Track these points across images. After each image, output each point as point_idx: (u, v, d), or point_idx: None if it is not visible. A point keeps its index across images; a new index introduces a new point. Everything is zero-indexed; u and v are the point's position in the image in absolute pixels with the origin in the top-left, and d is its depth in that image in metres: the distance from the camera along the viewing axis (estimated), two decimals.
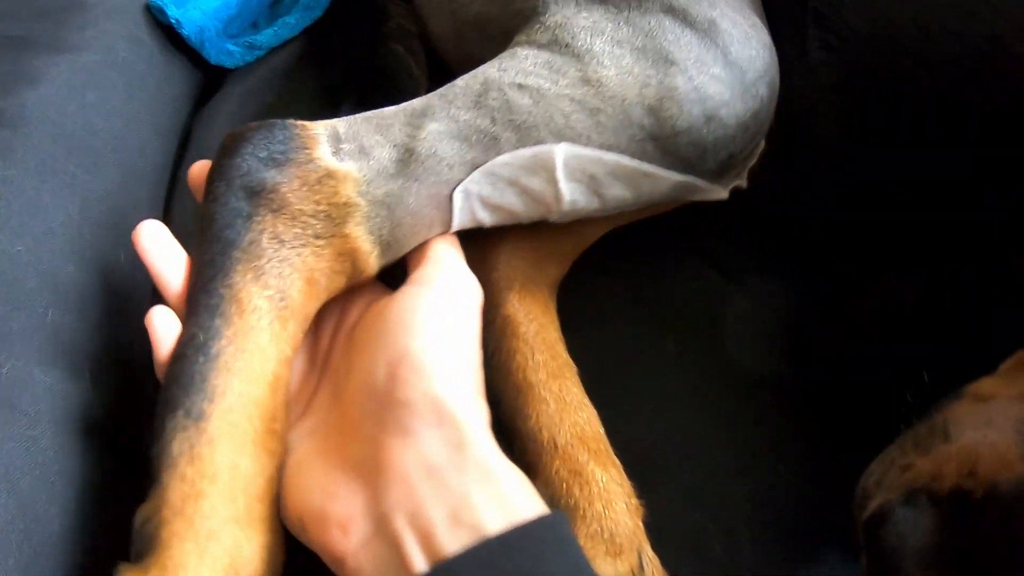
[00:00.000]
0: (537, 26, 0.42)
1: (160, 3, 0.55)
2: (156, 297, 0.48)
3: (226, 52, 0.59)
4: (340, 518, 0.32)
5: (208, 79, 0.60)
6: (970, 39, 0.42)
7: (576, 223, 0.45)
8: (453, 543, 0.29)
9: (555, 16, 0.41)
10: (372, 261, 0.38)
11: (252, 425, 0.34)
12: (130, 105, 0.51)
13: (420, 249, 0.39)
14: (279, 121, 0.38)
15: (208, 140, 0.55)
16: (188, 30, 0.56)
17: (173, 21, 0.56)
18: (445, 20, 0.52)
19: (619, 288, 0.49)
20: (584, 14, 0.41)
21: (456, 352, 0.34)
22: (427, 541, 0.30)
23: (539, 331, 0.42)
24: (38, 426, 0.37)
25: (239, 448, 0.34)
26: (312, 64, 0.58)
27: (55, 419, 0.38)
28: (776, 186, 0.45)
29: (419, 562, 0.29)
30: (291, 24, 0.60)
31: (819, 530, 0.42)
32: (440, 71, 0.54)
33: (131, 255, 0.46)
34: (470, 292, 0.38)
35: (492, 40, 0.47)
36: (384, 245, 0.38)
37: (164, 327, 0.36)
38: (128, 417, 0.43)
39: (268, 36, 0.60)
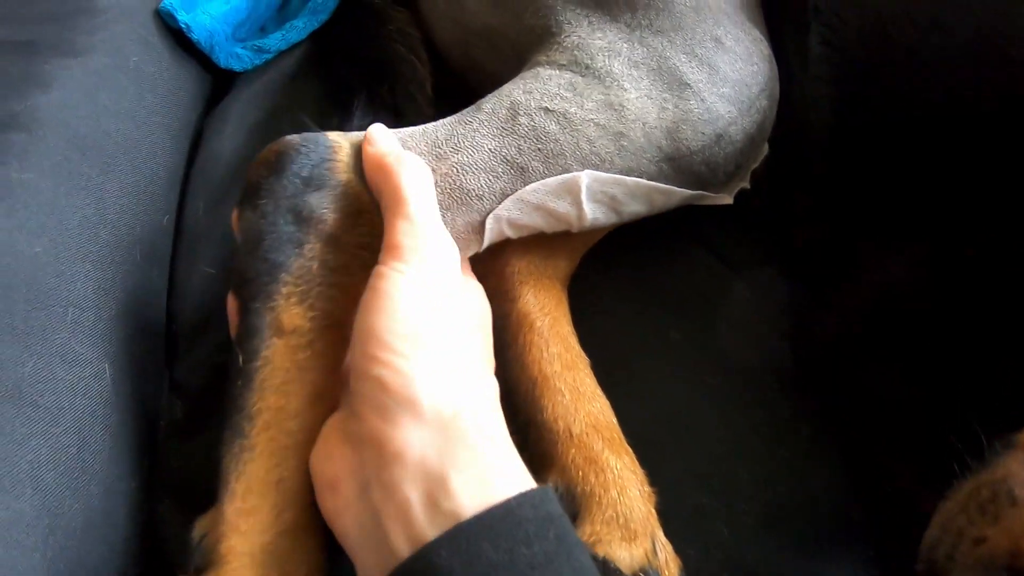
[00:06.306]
0: (555, 46, 0.42)
1: (170, 8, 0.56)
2: (171, 294, 0.49)
3: (235, 56, 0.59)
4: (330, 478, 0.33)
5: (217, 82, 0.61)
6: (959, 32, 0.43)
7: None
8: (432, 527, 0.29)
9: (571, 36, 0.42)
10: None
11: (293, 439, 0.35)
12: (141, 108, 0.51)
13: (395, 205, 0.36)
14: (316, 137, 0.39)
15: (218, 141, 0.55)
16: (198, 34, 0.57)
17: (183, 26, 0.56)
18: (451, 28, 0.53)
19: (623, 279, 0.49)
20: (599, 34, 0.42)
21: (430, 327, 0.33)
22: (406, 521, 0.29)
23: (553, 324, 0.43)
24: (61, 423, 0.38)
25: (282, 463, 0.35)
26: (319, 67, 0.59)
27: (77, 416, 0.38)
28: (775, 176, 0.46)
29: (399, 542, 0.29)
30: (299, 28, 0.60)
31: (824, 512, 0.43)
32: (443, 74, 0.55)
33: (146, 253, 0.47)
34: (447, 263, 0.36)
35: (501, 52, 0.48)
36: None
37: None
38: (148, 413, 0.44)
39: (276, 40, 0.60)
